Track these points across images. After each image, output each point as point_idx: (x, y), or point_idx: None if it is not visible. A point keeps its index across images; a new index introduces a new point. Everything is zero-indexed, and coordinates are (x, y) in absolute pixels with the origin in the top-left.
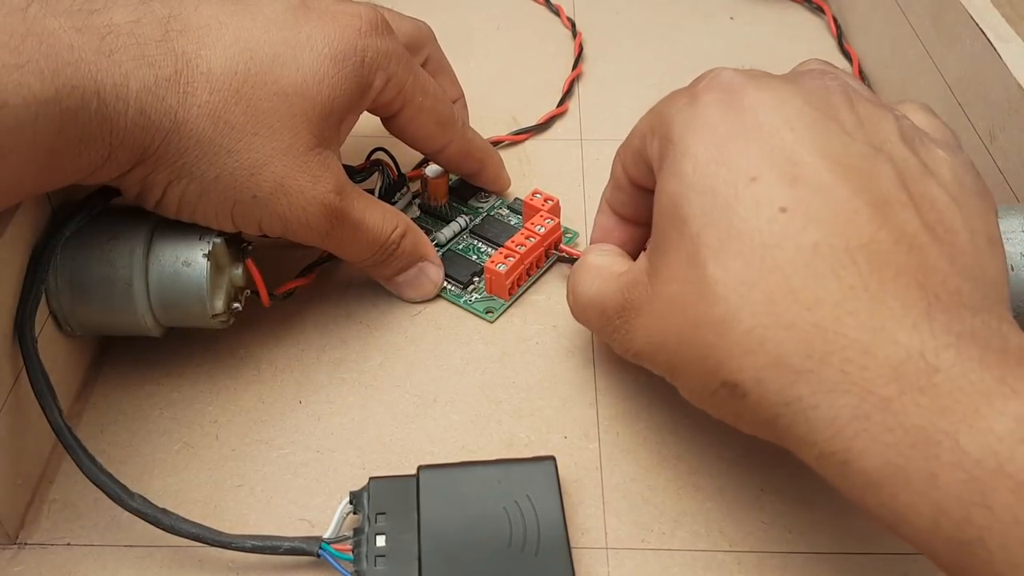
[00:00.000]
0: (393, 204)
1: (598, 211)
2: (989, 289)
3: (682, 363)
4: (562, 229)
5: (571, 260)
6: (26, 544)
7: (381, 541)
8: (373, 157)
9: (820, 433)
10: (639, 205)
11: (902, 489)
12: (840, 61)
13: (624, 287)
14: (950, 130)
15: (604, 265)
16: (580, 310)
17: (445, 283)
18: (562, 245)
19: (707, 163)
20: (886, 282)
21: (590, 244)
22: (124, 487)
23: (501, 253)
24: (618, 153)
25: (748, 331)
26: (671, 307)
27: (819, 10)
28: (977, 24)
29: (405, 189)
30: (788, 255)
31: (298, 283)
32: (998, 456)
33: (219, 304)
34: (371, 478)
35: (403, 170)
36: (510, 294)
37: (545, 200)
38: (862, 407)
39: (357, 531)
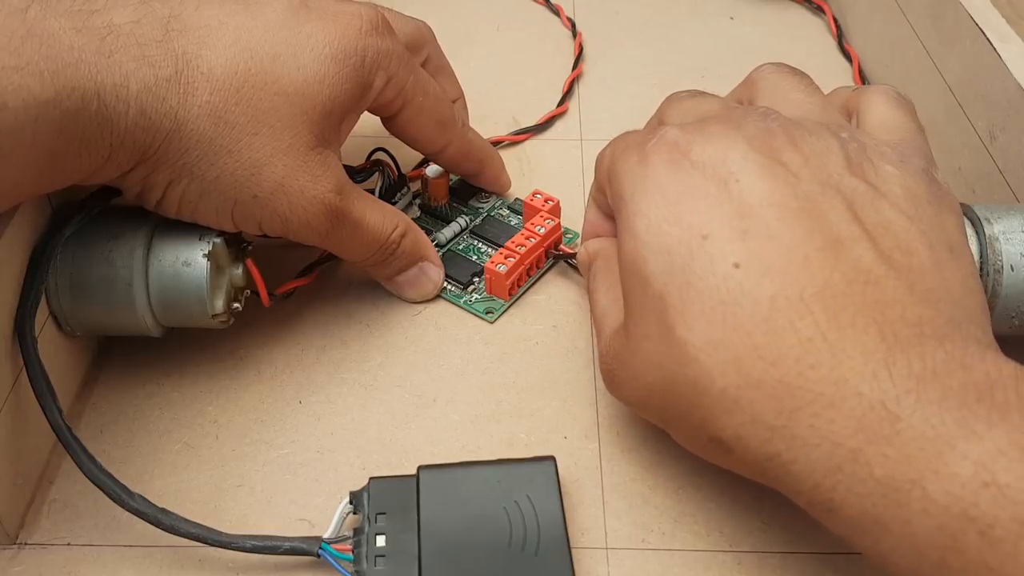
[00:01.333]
0: (393, 204)
1: (587, 207)
2: (953, 308)
3: (670, 418)
4: (562, 229)
5: (566, 257)
6: (26, 544)
7: (381, 541)
8: (373, 157)
9: (803, 484)
10: None
11: (883, 535)
12: (840, 61)
13: (612, 334)
14: (913, 121)
15: (612, 280)
16: (592, 317)
17: (445, 283)
18: (562, 246)
19: (659, 223)
20: (844, 328)
21: (581, 239)
22: (124, 487)
23: (501, 253)
24: (598, 161)
25: (722, 391)
26: (648, 364)
27: (819, 10)
28: (977, 24)
29: (405, 189)
30: (747, 311)
31: (298, 283)
32: (962, 502)
33: (219, 304)
34: (371, 478)
35: (403, 170)
36: (510, 294)
37: (545, 200)
38: (834, 460)
39: (357, 531)
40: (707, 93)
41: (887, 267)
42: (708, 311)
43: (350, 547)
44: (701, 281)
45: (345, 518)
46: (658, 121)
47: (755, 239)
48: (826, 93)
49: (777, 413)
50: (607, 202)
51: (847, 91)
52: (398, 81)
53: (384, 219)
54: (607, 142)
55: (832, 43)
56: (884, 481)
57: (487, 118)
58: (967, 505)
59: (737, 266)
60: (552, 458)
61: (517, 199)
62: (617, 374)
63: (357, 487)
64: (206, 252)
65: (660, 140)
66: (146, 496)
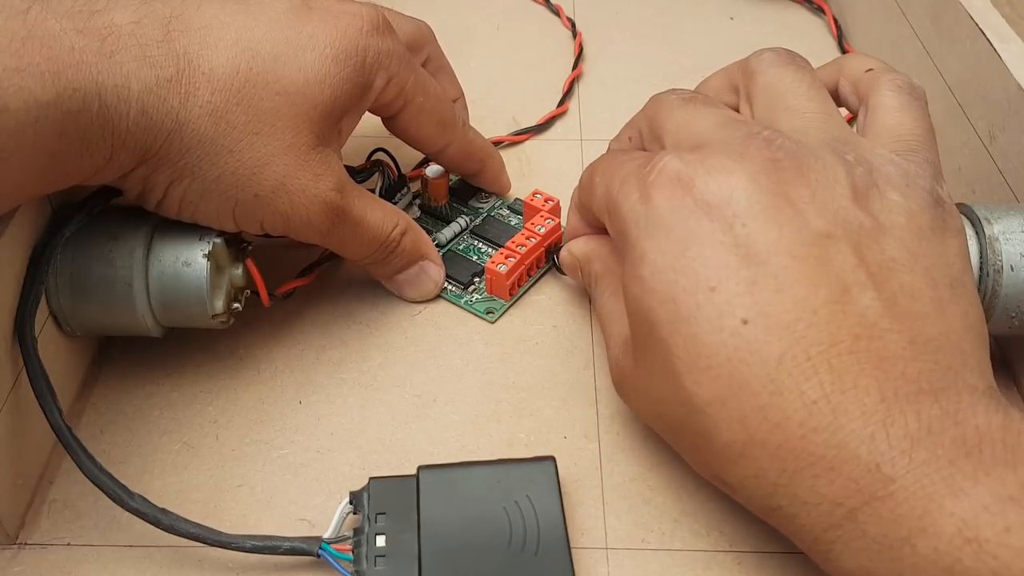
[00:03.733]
0: (394, 205)
1: (570, 211)
2: (952, 356)
3: (676, 446)
4: (562, 230)
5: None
6: (26, 544)
7: (381, 541)
8: (374, 158)
9: (803, 536)
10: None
11: None
12: None
13: (621, 343)
14: (924, 122)
15: (616, 286)
16: (597, 318)
17: (446, 283)
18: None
19: (665, 270)
20: (847, 391)
21: (564, 240)
22: (124, 487)
23: (502, 254)
24: (586, 182)
25: (727, 445)
26: (653, 400)
27: (819, 10)
28: (977, 24)
29: (405, 189)
30: (754, 370)
31: (298, 283)
32: (948, 558)
33: (219, 304)
34: (371, 478)
35: (403, 170)
36: (511, 294)
37: (545, 200)
38: (833, 518)
39: (357, 531)
40: (698, 97)
41: (891, 319)
42: (715, 366)
43: (350, 547)
44: (708, 336)
45: (345, 518)
46: (649, 130)
47: (763, 292)
48: (837, 62)
49: (780, 472)
50: (592, 216)
51: (859, 66)
52: (399, 81)
53: (385, 217)
54: (607, 142)
55: (832, 43)
56: (878, 539)
57: (487, 118)
58: (952, 561)
59: (745, 322)
60: (552, 458)
61: (517, 199)
62: (624, 388)
63: (357, 487)
64: (206, 252)
65: (660, 174)
66: (146, 496)
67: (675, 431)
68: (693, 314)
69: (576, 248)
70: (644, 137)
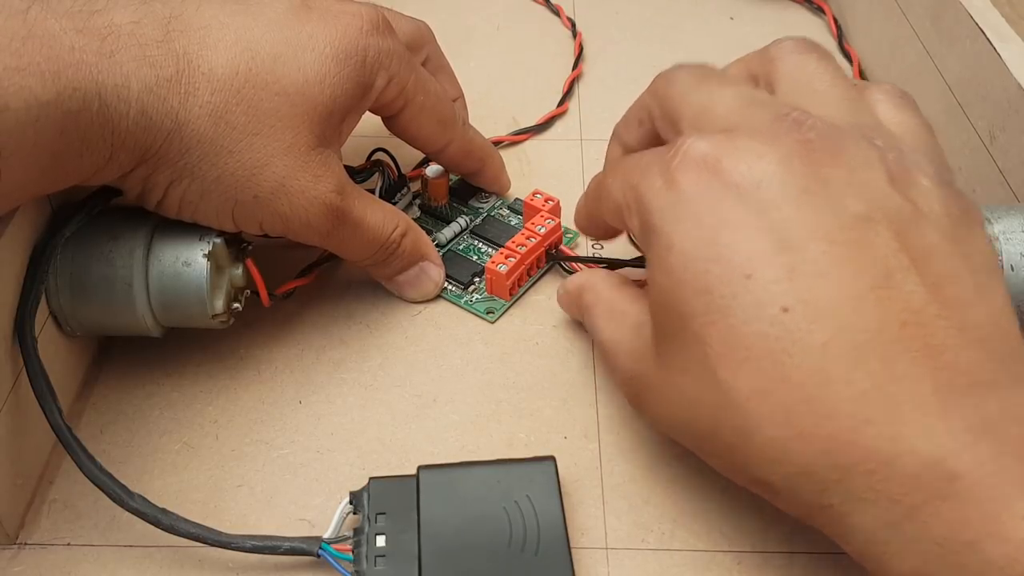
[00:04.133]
0: (393, 205)
1: (576, 212)
2: (1001, 345)
3: (707, 454)
4: (562, 229)
5: (562, 259)
6: (26, 544)
7: (381, 541)
8: (374, 158)
9: (855, 537)
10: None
11: None
12: (840, 61)
13: (633, 354)
14: (924, 123)
15: (615, 302)
16: (599, 350)
17: (446, 283)
18: (562, 246)
19: (696, 260)
20: (899, 380)
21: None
22: (124, 487)
23: (502, 253)
24: (605, 187)
25: (770, 440)
26: (684, 400)
27: (819, 10)
28: (977, 24)
29: (405, 189)
30: (797, 360)
31: (298, 283)
32: (1020, 564)
33: (219, 304)
34: (371, 478)
35: (403, 170)
36: (511, 294)
37: (545, 200)
38: (890, 516)
39: (357, 531)
40: (711, 75)
41: (938, 305)
42: (755, 359)
43: (350, 547)
44: (746, 326)
45: (345, 518)
46: (661, 112)
47: (803, 278)
48: None
49: (831, 467)
50: (600, 230)
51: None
52: (399, 80)
53: (385, 219)
54: (607, 142)
55: (832, 43)
56: (940, 541)
57: (487, 118)
58: None
59: (786, 310)
60: (552, 458)
61: (517, 199)
62: (644, 398)
63: (357, 487)
64: (206, 252)
65: (685, 157)
66: (146, 496)
67: (706, 435)
68: (729, 304)
69: (569, 284)
70: (656, 120)
